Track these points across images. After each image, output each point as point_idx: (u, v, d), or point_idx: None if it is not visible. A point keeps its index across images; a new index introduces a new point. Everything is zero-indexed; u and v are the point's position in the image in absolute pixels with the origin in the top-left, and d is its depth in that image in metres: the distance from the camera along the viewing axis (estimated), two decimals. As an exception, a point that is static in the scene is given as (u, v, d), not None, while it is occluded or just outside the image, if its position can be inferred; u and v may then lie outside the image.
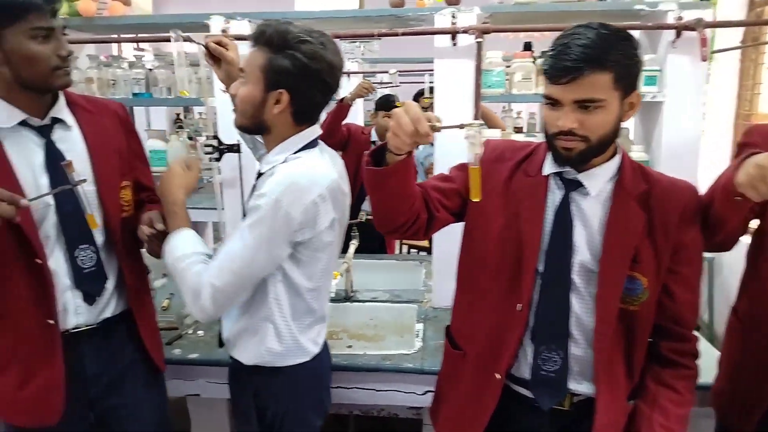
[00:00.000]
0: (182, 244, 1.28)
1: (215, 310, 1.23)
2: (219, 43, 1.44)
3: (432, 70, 2.06)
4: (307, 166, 1.24)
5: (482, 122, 1.32)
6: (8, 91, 1.22)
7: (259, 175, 1.33)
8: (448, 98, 1.99)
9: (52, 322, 1.27)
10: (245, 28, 2.03)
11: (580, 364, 1.18)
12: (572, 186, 1.17)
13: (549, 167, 1.19)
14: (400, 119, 1.03)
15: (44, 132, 1.28)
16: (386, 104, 3.05)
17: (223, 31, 2.01)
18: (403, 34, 1.95)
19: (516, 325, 1.17)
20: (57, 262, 1.28)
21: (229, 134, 2.06)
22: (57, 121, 1.30)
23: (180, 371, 1.79)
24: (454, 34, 1.91)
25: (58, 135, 1.30)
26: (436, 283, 2.18)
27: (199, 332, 1.97)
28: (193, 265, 1.25)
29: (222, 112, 2.10)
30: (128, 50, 3.14)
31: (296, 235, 1.22)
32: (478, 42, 1.91)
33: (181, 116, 3.49)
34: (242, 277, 1.22)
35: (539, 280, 1.17)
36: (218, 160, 2.08)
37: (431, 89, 3.20)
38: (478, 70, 1.94)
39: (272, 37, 1.20)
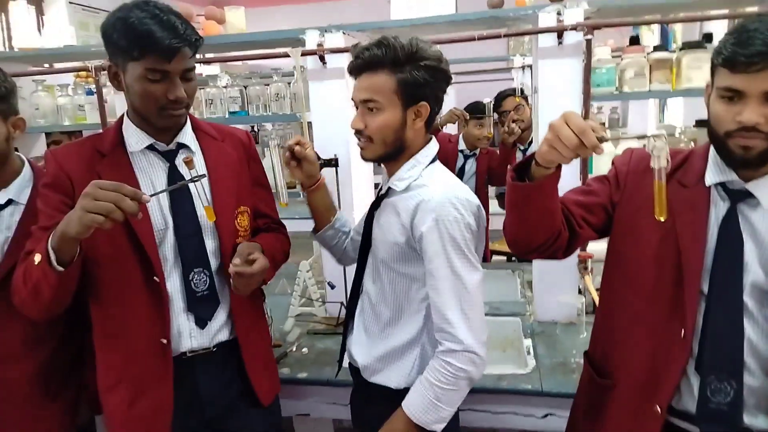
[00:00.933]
0: (419, 398, 1.21)
1: (483, 355, 1.20)
2: (298, 144, 1.38)
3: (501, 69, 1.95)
4: (454, 182, 1.26)
5: (666, 133, 1.22)
6: (139, 117, 1.26)
7: (384, 192, 1.31)
8: (552, 100, 1.88)
9: (165, 341, 1.28)
10: (340, 40, 2.00)
11: (756, 396, 1.04)
12: (739, 197, 1.04)
13: (713, 176, 1.06)
14: (560, 131, 0.93)
15: (169, 156, 1.31)
16: (476, 111, 2.94)
17: (319, 45, 1.99)
18: (506, 35, 1.85)
19: (679, 353, 1.05)
20: (173, 284, 1.30)
21: (326, 148, 2.05)
22: (182, 146, 1.33)
23: (289, 391, 1.76)
24: (561, 32, 1.80)
25: (181, 160, 1.31)
26: (539, 295, 2.07)
27: (304, 350, 1.96)
28: (434, 372, 1.19)
29: (317, 125, 2.08)
30: (211, 70, 3.20)
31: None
32: (587, 39, 1.79)
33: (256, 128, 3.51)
34: (480, 307, 1.21)
35: (703, 303, 1.05)
36: (316, 174, 2.06)
37: (521, 90, 3.10)
38: (588, 69, 1.82)
39: (396, 56, 1.18)
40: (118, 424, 1.33)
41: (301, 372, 1.79)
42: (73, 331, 1.57)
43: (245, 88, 2.19)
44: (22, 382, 1.45)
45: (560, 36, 1.82)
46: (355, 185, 2.13)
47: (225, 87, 2.20)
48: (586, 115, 1.83)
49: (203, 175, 1.20)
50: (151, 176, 1.29)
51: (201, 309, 1.32)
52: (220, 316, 1.35)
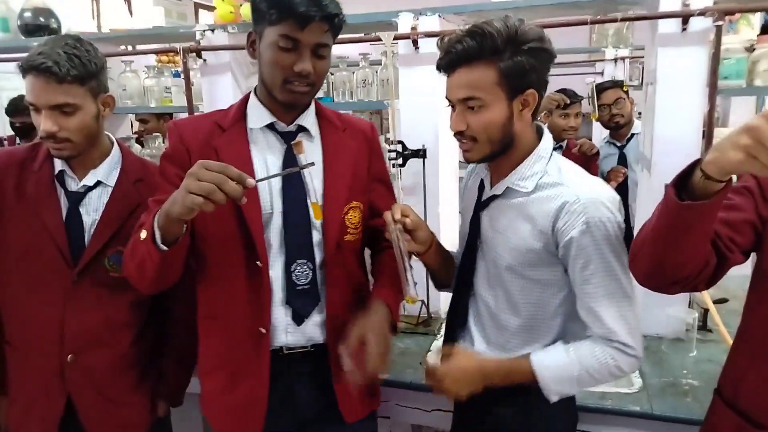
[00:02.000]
0: (559, 368, 1.13)
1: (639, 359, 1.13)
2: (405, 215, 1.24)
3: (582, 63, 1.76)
4: (590, 177, 1.15)
5: None
6: (266, 92, 1.22)
7: (500, 192, 1.19)
8: (672, 93, 1.69)
9: (263, 330, 1.22)
10: (435, 24, 1.88)
11: None
12: None
13: None
14: (763, 134, 0.74)
15: (287, 138, 1.25)
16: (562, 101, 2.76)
17: (412, 28, 1.88)
18: (623, 19, 1.68)
19: None
20: (275, 272, 1.23)
21: (413, 138, 1.94)
22: (302, 129, 1.26)
23: (370, 392, 1.68)
24: (686, 17, 1.62)
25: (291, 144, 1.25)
26: (644, 307, 1.85)
27: (384, 349, 1.86)
28: (593, 357, 1.12)
29: (406, 113, 1.98)
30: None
31: None
32: (717, 26, 1.59)
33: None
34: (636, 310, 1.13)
35: None
36: (402, 165, 1.96)
37: (619, 81, 2.88)
38: (716, 59, 1.62)
39: (494, 44, 1.05)
40: (214, 410, 1.31)
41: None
42: (154, 317, 1.54)
43: (331, 74, 2.11)
44: (104, 369, 1.42)
45: (685, 22, 1.63)
46: (442, 177, 2.02)
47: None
48: (711, 111, 1.65)
49: (311, 164, 1.11)
50: (266, 156, 1.24)
51: (300, 303, 1.25)
52: (317, 316, 1.27)
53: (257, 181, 1.05)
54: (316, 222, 1.24)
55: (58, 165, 1.39)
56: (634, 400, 1.51)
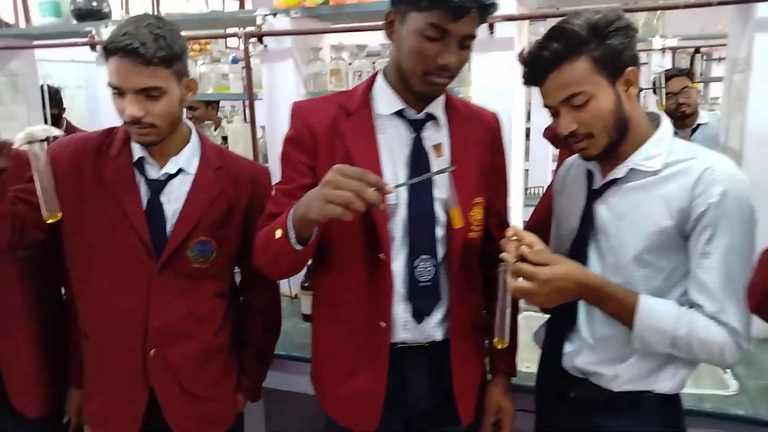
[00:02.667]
0: (663, 322, 1.06)
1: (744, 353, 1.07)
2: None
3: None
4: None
5: None
6: (398, 76, 1.16)
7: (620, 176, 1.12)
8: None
9: (384, 325, 1.18)
10: (512, 6, 1.81)
11: None
12: None
13: None
14: None
15: (416, 126, 1.19)
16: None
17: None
18: (719, 3, 1.60)
19: None
20: (398, 266, 1.19)
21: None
22: (431, 117, 1.20)
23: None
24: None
25: (428, 133, 1.20)
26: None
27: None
28: (706, 330, 1.05)
29: (478, 100, 1.90)
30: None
31: None
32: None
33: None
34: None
35: None
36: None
37: (684, 70, 2.78)
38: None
39: (579, 39, 1.03)
40: (331, 399, 1.29)
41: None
42: (232, 308, 1.49)
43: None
44: (186, 362, 1.37)
45: (787, 4, 1.55)
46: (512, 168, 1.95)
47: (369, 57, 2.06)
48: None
49: (452, 168, 1.07)
50: (393, 144, 1.19)
51: (421, 300, 1.20)
52: (438, 313, 1.22)
53: (396, 186, 1.00)
54: (440, 217, 1.19)
55: (137, 151, 1.34)
56: (735, 403, 1.43)
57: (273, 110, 2.12)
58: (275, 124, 2.12)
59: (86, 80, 4.78)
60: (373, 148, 1.17)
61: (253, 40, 2.04)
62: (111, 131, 1.38)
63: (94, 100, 5.00)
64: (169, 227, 1.34)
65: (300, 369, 1.71)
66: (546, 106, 1.11)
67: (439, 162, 1.17)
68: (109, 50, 1.20)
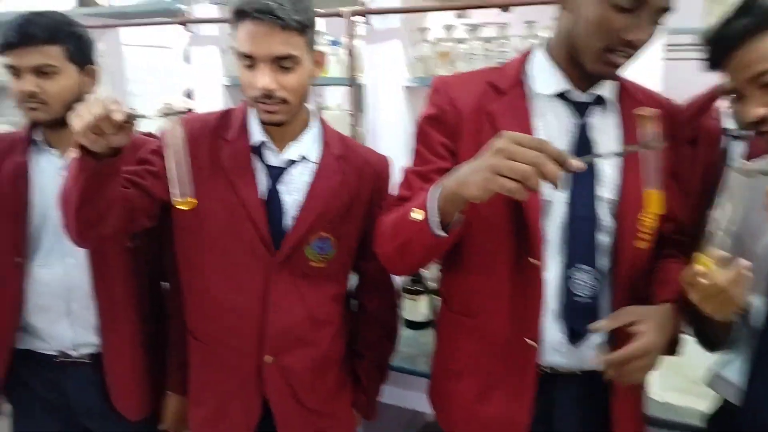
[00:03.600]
0: None
1: None
2: None
3: None
4: None
5: None
6: (565, 51, 0.99)
7: None
8: None
9: (532, 344, 1.01)
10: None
11: None
12: None
13: None
14: None
15: (580, 110, 1.01)
16: None
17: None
18: None
19: None
20: (551, 275, 1.01)
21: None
22: (599, 101, 1.02)
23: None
24: None
25: (594, 119, 1.02)
26: None
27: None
28: None
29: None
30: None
31: None
32: None
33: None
34: None
35: None
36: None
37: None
38: None
39: None
40: (460, 421, 1.14)
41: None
42: (347, 313, 1.35)
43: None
44: (302, 372, 1.24)
45: None
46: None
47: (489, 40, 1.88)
48: None
49: (663, 144, 0.86)
50: (551, 129, 1.01)
51: (577, 319, 1.01)
52: (596, 336, 1.03)
53: (583, 159, 0.80)
54: (605, 221, 1.01)
55: (257, 135, 1.21)
56: None
57: (375, 96, 1.96)
58: (376, 110, 1.97)
59: (161, 65, 4.79)
60: (528, 132, 1.01)
61: (358, 19, 1.89)
62: (228, 112, 1.25)
63: (167, 88, 5.05)
64: (287, 220, 1.21)
65: (403, 382, 1.57)
66: (733, 88, 0.93)
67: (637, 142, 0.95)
68: (243, 12, 1.07)
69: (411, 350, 1.67)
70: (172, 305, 1.38)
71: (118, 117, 0.92)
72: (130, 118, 0.94)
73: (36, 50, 1.21)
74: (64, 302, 1.31)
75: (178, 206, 0.97)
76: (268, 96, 1.10)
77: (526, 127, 1.01)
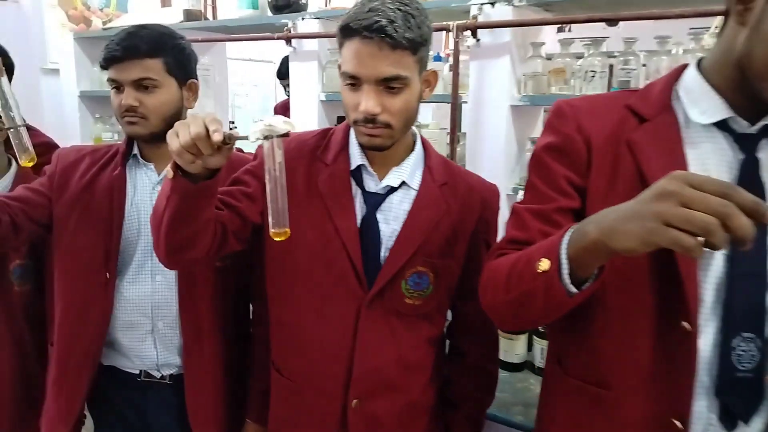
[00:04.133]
0: None
1: None
2: None
3: None
4: None
5: None
6: (731, 73, 0.81)
7: None
8: None
9: (679, 425, 0.83)
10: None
11: None
12: None
13: None
14: None
15: (744, 145, 0.82)
16: None
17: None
18: None
19: None
20: (705, 343, 0.83)
21: None
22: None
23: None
24: None
25: (765, 155, 0.82)
26: None
27: None
28: None
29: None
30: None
31: None
32: None
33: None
34: None
35: None
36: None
37: None
38: None
39: None
40: None
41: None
42: (440, 357, 1.21)
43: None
44: (390, 420, 1.12)
45: None
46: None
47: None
48: None
49: None
50: (709, 165, 0.84)
51: (736, 398, 0.82)
52: (759, 421, 0.83)
53: None
54: None
55: (356, 158, 1.11)
56: None
57: (477, 115, 1.83)
58: (478, 131, 1.83)
59: (262, 79, 4.94)
60: (681, 167, 0.83)
61: (465, 33, 1.77)
62: (327, 133, 1.17)
63: (267, 98, 5.19)
64: (383, 251, 1.09)
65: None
66: None
67: None
68: (351, 29, 0.98)
69: (505, 396, 1.50)
70: (257, 330, 1.32)
71: (217, 138, 0.85)
72: (230, 140, 0.87)
73: (137, 64, 1.19)
74: (150, 321, 1.27)
75: (275, 238, 0.88)
76: (370, 120, 1.00)
77: (677, 160, 0.83)
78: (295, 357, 1.14)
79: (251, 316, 1.37)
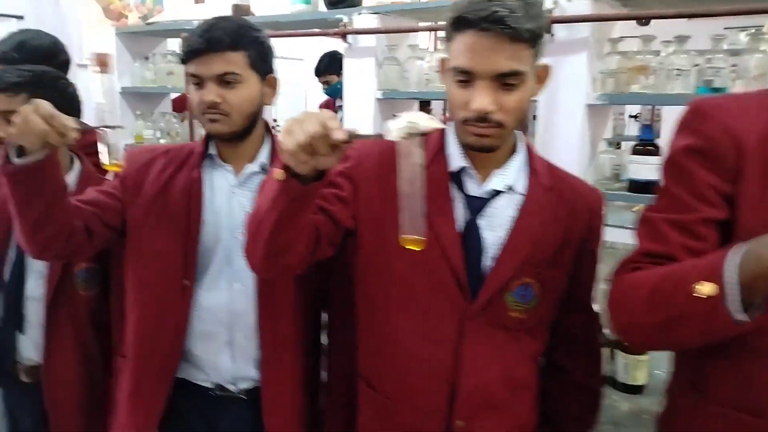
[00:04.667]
0: None
1: None
2: None
3: None
4: None
5: None
6: None
7: None
8: None
9: None
10: None
11: None
12: None
13: None
14: None
15: None
16: None
17: None
18: None
19: None
20: None
21: None
22: None
23: None
24: None
25: None
26: None
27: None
28: None
29: None
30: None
31: None
32: None
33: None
34: None
35: None
36: None
37: None
38: None
39: None
40: None
41: None
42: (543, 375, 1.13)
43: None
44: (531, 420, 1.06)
45: None
46: None
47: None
48: None
49: None
50: None
51: None
52: None
53: None
54: None
55: (456, 160, 1.03)
56: None
57: (549, 114, 1.74)
58: (549, 130, 1.75)
59: (292, 77, 4.88)
60: None
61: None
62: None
63: (298, 97, 5.14)
64: (487, 260, 1.02)
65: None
66: None
67: None
68: (465, 21, 0.90)
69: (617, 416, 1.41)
70: (336, 339, 1.24)
71: (340, 137, 0.78)
72: (352, 138, 0.79)
73: (220, 57, 1.12)
74: (227, 331, 1.20)
75: (407, 246, 0.81)
76: (482, 118, 0.92)
77: None
78: (390, 371, 1.06)
79: (329, 324, 1.30)
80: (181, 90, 2.63)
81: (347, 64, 2.15)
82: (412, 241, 0.82)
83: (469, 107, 0.93)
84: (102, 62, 1.35)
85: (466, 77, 0.93)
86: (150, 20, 2.86)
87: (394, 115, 0.80)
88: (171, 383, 1.20)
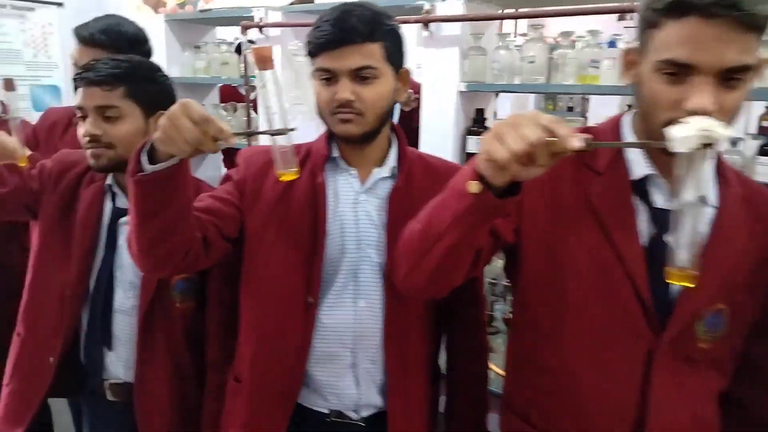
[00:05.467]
0: None
1: None
2: None
3: None
4: None
5: None
6: None
7: None
8: None
9: None
10: None
11: None
12: None
13: None
14: None
15: None
16: None
17: None
18: None
19: None
20: None
21: None
22: None
23: None
24: None
25: None
26: None
27: None
28: None
29: None
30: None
31: None
32: None
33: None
34: None
35: None
36: None
37: None
38: None
39: None
40: None
41: None
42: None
43: None
44: None
45: None
46: None
47: None
48: None
49: None
50: None
51: None
52: None
53: None
54: None
55: (640, 166, 0.91)
56: None
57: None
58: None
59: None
60: None
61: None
62: (587, 129, 0.96)
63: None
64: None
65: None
66: None
67: None
68: (686, 5, 0.76)
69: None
70: (473, 366, 1.14)
71: (576, 146, 0.65)
72: (590, 148, 0.66)
73: (355, 49, 0.99)
74: (351, 353, 1.08)
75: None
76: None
77: None
78: (558, 407, 0.94)
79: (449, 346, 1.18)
80: (237, 81, 2.50)
81: (427, 54, 2.00)
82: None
83: (681, 107, 0.79)
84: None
85: (678, 71, 0.79)
86: (204, 7, 2.72)
87: (679, 121, 0.66)
88: (292, 410, 1.08)
